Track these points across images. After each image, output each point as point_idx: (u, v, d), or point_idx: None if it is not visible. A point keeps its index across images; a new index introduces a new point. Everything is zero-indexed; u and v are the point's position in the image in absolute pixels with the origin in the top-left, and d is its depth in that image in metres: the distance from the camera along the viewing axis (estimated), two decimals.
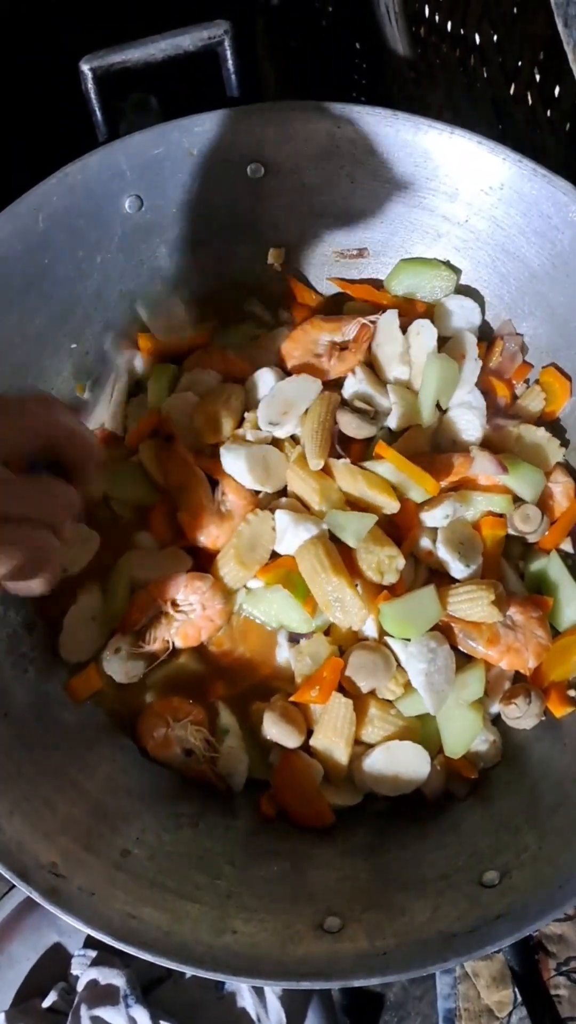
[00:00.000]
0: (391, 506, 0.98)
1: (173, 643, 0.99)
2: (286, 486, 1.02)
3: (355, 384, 1.04)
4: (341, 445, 1.01)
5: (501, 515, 1.02)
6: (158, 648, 0.98)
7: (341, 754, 0.94)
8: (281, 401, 1.01)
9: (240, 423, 1.03)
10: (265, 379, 1.05)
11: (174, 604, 0.98)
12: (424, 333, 1.04)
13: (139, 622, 0.98)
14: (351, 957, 0.79)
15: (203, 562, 1.01)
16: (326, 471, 0.99)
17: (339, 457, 1.00)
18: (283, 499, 1.02)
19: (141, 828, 0.89)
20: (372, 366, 1.08)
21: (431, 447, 1.05)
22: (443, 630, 0.96)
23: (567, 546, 1.04)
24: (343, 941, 0.81)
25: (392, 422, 1.03)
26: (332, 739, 0.93)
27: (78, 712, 0.97)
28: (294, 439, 1.03)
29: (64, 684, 0.98)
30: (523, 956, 0.87)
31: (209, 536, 1.00)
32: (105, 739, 0.97)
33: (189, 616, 0.98)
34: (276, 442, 1.03)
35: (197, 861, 0.88)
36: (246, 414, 1.03)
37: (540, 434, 1.05)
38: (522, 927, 0.78)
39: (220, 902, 0.84)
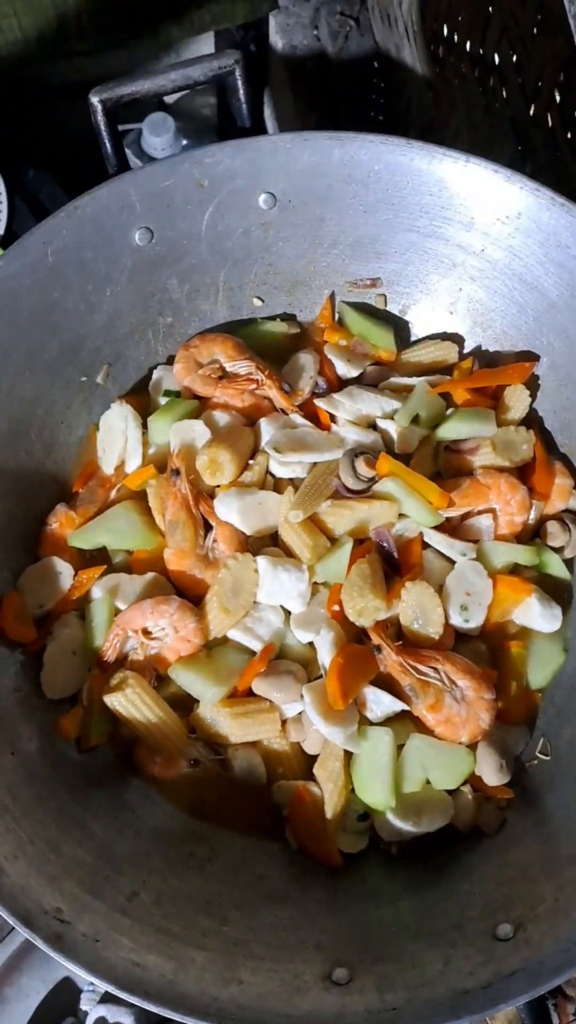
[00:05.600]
0: (390, 513, 0.97)
1: (155, 672, 0.98)
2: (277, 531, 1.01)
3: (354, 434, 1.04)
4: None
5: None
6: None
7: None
8: (294, 439, 1.01)
9: (245, 468, 1.02)
10: (267, 427, 1.04)
11: (146, 632, 0.96)
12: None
13: (114, 656, 0.98)
14: (360, 1012, 0.77)
15: None
16: (313, 519, 0.99)
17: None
18: (272, 548, 1.01)
19: (148, 870, 0.88)
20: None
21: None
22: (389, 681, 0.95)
23: None
24: (352, 994, 0.79)
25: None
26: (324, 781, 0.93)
27: None
28: (294, 484, 1.01)
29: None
30: (537, 1011, 0.84)
31: (191, 578, 0.99)
32: (111, 777, 0.96)
33: (164, 641, 0.96)
34: (276, 482, 1.03)
35: (204, 905, 0.86)
36: (250, 461, 1.03)
37: (511, 432, 1.04)
38: (538, 985, 0.75)
39: (227, 949, 0.82)
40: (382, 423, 1.04)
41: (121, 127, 1.07)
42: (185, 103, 1.91)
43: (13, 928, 1.11)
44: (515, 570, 1.01)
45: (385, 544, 0.99)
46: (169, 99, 1.91)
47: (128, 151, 1.56)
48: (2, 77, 1.46)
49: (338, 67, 1.66)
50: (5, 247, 1.05)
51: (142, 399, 1.10)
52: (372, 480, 1.00)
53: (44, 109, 1.67)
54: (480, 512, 1.03)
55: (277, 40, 1.68)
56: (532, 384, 1.07)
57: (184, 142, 1.69)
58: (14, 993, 1.12)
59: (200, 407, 1.07)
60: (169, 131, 1.63)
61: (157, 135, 1.62)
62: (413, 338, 1.15)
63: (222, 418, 1.05)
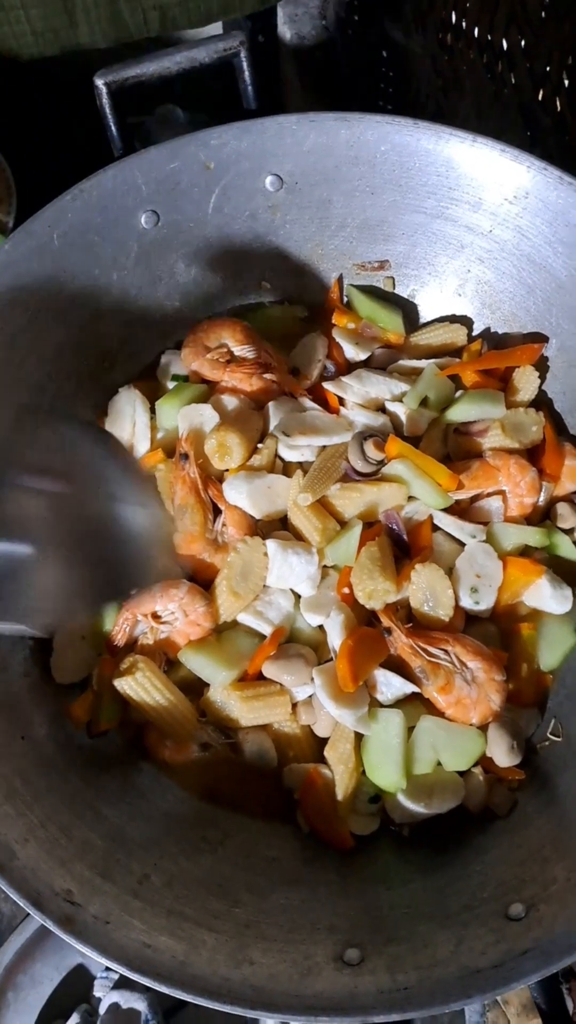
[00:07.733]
0: (399, 495, 0.97)
1: (165, 656, 0.98)
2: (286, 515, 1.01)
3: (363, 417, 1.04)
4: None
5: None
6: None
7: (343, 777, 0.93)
8: (303, 423, 1.00)
9: (253, 452, 1.01)
10: (276, 411, 1.04)
11: (155, 616, 0.96)
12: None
13: (124, 641, 0.98)
14: (372, 992, 0.76)
15: None
16: (322, 503, 0.99)
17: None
18: (282, 531, 1.01)
19: (159, 854, 0.87)
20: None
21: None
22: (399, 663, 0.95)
23: None
24: (363, 974, 0.78)
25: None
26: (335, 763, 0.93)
27: None
28: (303, 467, 1.01)
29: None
30: (550, 992, 0.84)
31: (200, 562, 0.99)
32: (122, 761, 0.96)
33: (174, 625, 0.96)
34: (285, 466, 1.03)
35: (215, 888, 0.86)
36: (259, 445, 1.02)
37: (521, 414, 1.04)
38: (549, 963, 0.75)
39: (238, 931, 0.82)
40: (391, 406, 1.04)
41: (129, 120, 1.07)
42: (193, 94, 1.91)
43: (26, 916, 1.11)
44: (525, 552, 1.01)
45: (395, 527, 0.98)
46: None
47: (137, 145, 1.56)
48: (9, 70, 1.46)
49: (346, 57, 1.66)
50: None
51: (150, 384, 1.10)
52: (381, 463, 0.99)
53: (52, 103, 1.68)
54: (490, 494, 1.02)
55: (285, 30, 1.68)
56: (541, 365, 1.06)
57: None
58: (27, 980, 1.12)
59: (208, 391, 1.07)
60: (177, 123, 1.63)
61: (165, 128, 1.62)
62: (422, 320, 1.15)
63: (230, 402, 1.04)
